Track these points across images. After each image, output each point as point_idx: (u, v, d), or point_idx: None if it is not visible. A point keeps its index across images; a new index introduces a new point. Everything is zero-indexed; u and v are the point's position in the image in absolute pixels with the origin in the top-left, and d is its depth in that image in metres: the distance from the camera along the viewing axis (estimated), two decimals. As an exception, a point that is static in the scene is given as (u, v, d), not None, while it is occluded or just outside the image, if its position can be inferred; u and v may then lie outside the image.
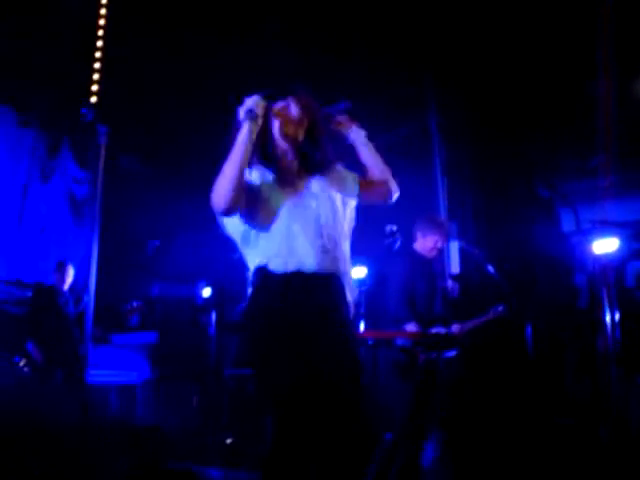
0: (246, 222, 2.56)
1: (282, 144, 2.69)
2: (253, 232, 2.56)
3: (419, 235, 4.76)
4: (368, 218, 6.25)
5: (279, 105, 2.69)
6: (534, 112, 5.40)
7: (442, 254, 5.19)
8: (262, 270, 2.49)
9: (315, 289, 2.50)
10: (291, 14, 5.90)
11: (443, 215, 5.59)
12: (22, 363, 5.82)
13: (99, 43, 6.65)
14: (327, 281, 2.54)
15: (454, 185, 5.74)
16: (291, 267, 2.48)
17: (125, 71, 6.54)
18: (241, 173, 2.47)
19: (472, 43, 5.54)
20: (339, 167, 2.78)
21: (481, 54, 5.51)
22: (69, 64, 6.64)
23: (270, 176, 2.63)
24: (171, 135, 7.13)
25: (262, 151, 2.66)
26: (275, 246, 2.51)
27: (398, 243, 4.49)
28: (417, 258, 4.78)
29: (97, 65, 6.62)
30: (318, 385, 2.41)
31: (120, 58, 6.49)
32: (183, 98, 6.67)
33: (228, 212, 2.49)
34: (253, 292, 2.52)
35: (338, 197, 2.69)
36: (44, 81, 6.91)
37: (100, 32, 6.60)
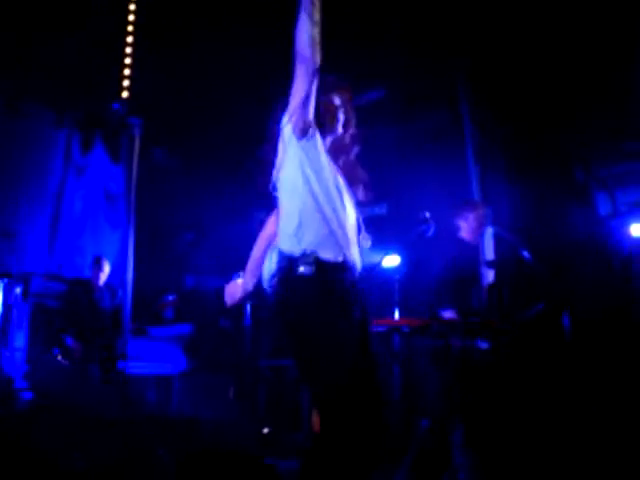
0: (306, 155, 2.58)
1: (339, 127, 2.72)
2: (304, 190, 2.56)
3: (461, 221, 4.72)
4: (400, 206, 6.26)
5: (344, 86, 2.70)
6: (569, 95, 5.31)
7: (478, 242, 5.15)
8: (313, 258, 2.50)
9: (356, 281, 2.58)
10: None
11: (477, 201, 5.53)
12: (60, 356, 5.92)
13: (129, 38, 6.70)
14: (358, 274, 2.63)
15: (487, 171, 5.68)
16: (341, 257, 2.52)
17: (156, 65, 6.58)
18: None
19: (504, 29, 5.48)
20: None
21: (514, 39, 5.45)
22: (100, 60, 6.70)
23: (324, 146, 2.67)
24: (204, 128, 7.16)
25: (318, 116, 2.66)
26: (326, 232, 2.53)
27: (432, 230, 4.46)
28: (459, 246, 4.73)
29: (128, 60, 6.67)
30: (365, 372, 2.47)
31: (151, 52, 6.53)
32: (215, 90, 6.69)
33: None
34: (307, 280, 2.49)
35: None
36: (76, 78, 6.98)
37: (130, 27, 6.65)
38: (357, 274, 2.61)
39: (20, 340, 6.32)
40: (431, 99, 5.92)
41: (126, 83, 6.58)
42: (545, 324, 4.87)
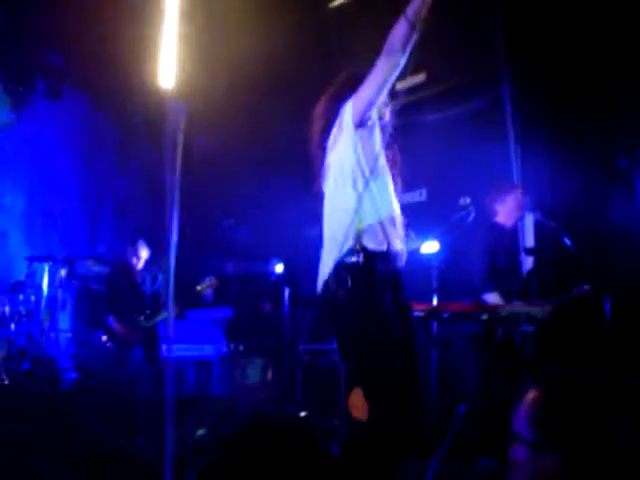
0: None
1: (387, 114, 2.79)
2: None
3: (497, 205, 4.68)
4: (439, 192, 6.22)
5: None
6: (612, 80, 5.21)
7: (517, 227, 5.11)
8: (359, 247, 2.52)
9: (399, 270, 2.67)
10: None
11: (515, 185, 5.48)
12: (104, 338, 6.05)
13: (172, 24, 6.75)
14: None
15: (528, 157, 5.62)
16: (385, 247, 2.57)
17: (200, 51, 6.62)
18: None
19: (546, 12, 5.39)
20: None
21: (556, 22, 5.36)
22: (143, 46, 6.77)
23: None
24: (246, 113, 7.19)
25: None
26: (375, 221, 2.57)
27: (472, 215, 4.43)
28: (499, 231, 4.70)
29: (170, 46, 6.72)
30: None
31: (196, 38, 6.56)
32: (258, 76, 6.71)
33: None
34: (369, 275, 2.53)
35: None
36: (118, 64, 7.07)
37: (173, 11, 6.69)
38: (401, 263, 2.64)
39: (65, 322, 6.48)
40: (471, 84, 5.86)
41: (169, 69, 6.64)
42: (586, 311, 4.82)
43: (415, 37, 2.42)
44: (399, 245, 2.62)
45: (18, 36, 6.61)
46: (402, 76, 2.57)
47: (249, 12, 6.16)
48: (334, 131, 2.65)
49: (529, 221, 5.37)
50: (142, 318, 6.14)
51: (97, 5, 6.32)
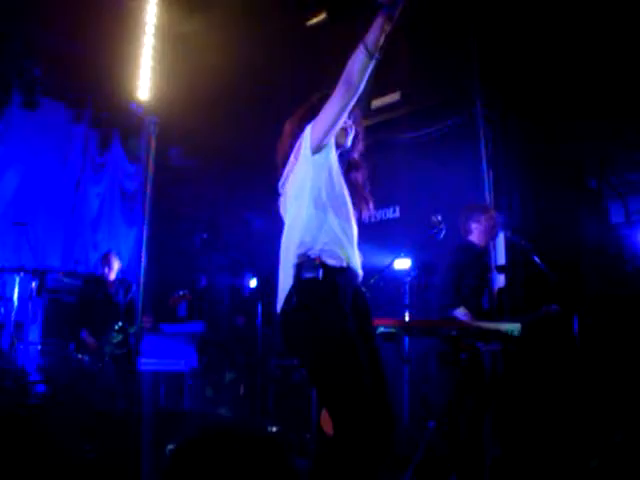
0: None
1: (348, 142, 2.83)
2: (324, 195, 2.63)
3: (473, 224, 4.72)
4: (412, 209, 6.28)
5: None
6: (584, 102, 5.32)
7: (488, 246, 5.17)
8: (318, 262, 2.56)
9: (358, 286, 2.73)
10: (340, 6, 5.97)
11: (489, 206, 5.56)
12: (76, 350, 6.00)
13: (147, 39, 6.78)
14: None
15: (500, 176, 5.70)
16: (345, 264, 2.61)
17: (173, 65, 6.65)
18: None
19: (520, 32, 5.49)
20: None
21: (529, 43, 5.46)
22: (118, 60, 6.79)
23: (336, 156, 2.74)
24: (220, 128, 7.22)
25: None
26: (330, 240, 2.60)
27: (443, 233, 4.48)
28: (471, 250, 4.73)
29: (146, 60, 6.75)
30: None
31: (168, 51, 6.60)
32: (231, 90, 6.75)
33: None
34: (317, 284, 2.55)
35: None
36: (94, 77, 7.08)
37: (148, 28, 6.73)
38: (359, 279, 2.70)
39: (34, 334, 6.42)
40: (445, 103, 5.95)
41: (143, 83, 6.66)
42: (555, 329, 4.89)
43: (372, 65, 2.47)
44: (357, 264, 2.67)
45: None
46: (359, 103, 2.63)
47: (226, 27, 6.22)
48: (294, 152, 2.70)
49: (500, 239, 5.44)
50: (114, 332, 6.11)
51: (76, 18, 6.33)
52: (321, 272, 2.52)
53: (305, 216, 2.61)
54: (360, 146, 2.88)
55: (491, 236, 4.78)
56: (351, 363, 2.44)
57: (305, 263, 2.55)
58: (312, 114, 2.71)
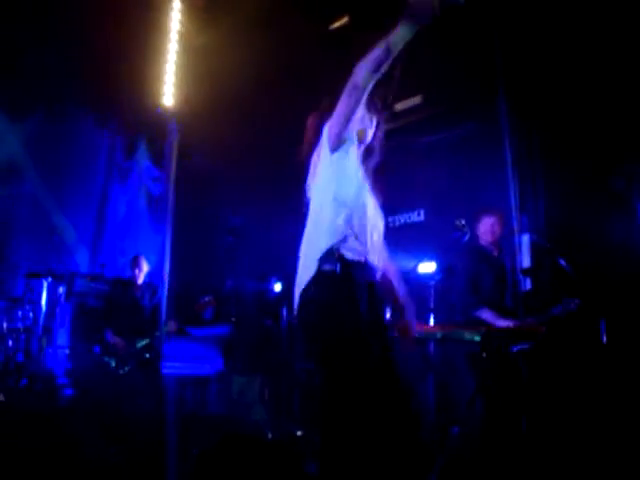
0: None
1: (368, 136, 2.86)
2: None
3: (477, 227, 4.79)
4: (436, 213, 6.25)
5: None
6: (609, 102, 5.25)
7: (512, 248, 5.15)
8: (337, 256, 2.60)
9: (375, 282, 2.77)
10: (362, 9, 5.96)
11: (514, 209, 5.52)
12: (102, 353, 6.06)
13: (171, 46, 6.85)
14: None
15: (525, 178, 5.65)
16: (362, 259, 2.67)
17: (198, 70, 6.71)
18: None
19: (544, 35, 5.45)
20: None
21: (553, 45, 5.41)
22: (143, 66, 6.86)
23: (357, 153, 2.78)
24: (245, 132, 7.25)
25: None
26: (351, 236, 2.65)
27: (467, 237, 4.48)
28: (483, 252, 4.77)
29: (170, 67, 6.81)
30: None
31: (193, 58, 6.66)
32: (254, 96, 6.77)
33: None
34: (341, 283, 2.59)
35: None
36: (120, 84, 7.15)
37: (173, 34, 6.79)
38: (377, 274, 2.75)
39: (63, 338, 6.49)
40: (470, 106, 5.91)
41: (168, 89, 6.72)
42: (581, 332, 4.84)
43: (386, 65, 2.47)
44: (376, 260, 2.72)
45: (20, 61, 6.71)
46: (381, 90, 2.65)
47: (248, 33, 6.24)
48: (318, 148, 2.76)
49: (525, 242, 5.40)
50: (139, 336, 6.18)
51: (102, 27, 6.40)
52: (339, 265, 2.58)
53: (327, 212, 2.67)
54: (379, 133, 2.90)
55: (489, 239, 4.80)
56: (359, 359, 2.47)
57: (325, 256, 2.60)
58: (326, 115, 2.75)
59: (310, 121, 2.91)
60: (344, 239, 2.62)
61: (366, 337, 2.51)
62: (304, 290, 2.62)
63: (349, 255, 2.61)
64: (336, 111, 2.64)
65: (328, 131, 2.71)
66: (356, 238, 2.64)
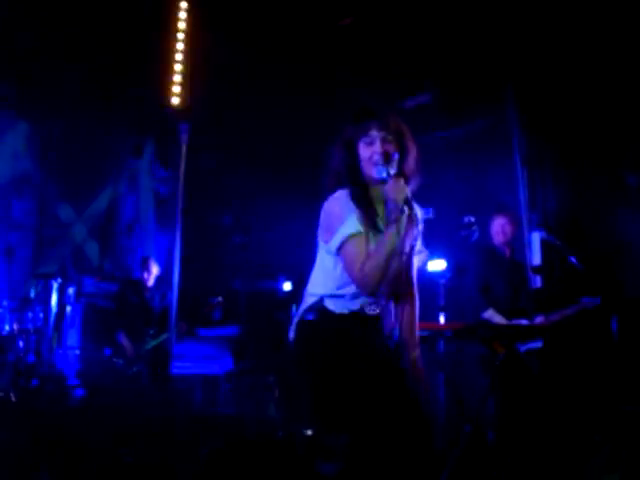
0: None
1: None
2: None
3: (489, 227, 4.79)
4: (447, 210, 6.22)
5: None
6: (620, 97, 5.21)
7: (522, 246, 5.13)
8: (319, 306, 2.56)
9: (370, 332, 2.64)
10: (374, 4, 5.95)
11: (523, 206, 5.50)
12: (113, 355, 6.08)
13: (179, 45, 6.84)
14: None
15: (535, 175, 5.62)
16: (346, 311, 2.56)
17: (205, 70, 6.70)
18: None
19: (552, 31, 5.42)
20: None
21: (562, 40, 5.38)
22: (152, 67, 6.86)
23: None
24: (253, 133, 7.25)
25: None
26: (334, 288, 2.58)
27: (476, 235, 4.46)
28: (494, 252, 4.76)
29: (179, 67, 6.81)
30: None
31: (200, 58, 6.65)
32: (263, 96, 6.77)
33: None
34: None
35: None
36: (128, 84, 7.16)
37: (180, 34, 6.79)
38: (373, 325, 2.59)
39: (73, 338, 6.51)
40: (478, 103, 5.89)
41: (176, 90, 6.72)
42: (593, 331, 4.81)
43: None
44: (367, 309, 2.57)
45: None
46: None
47: (257, 33, 6.24)
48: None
49: (536, 240, 5.37)
50: (149, 337, 6.19)
51: (110, 27, 6.42)
52: (318, 315, 2.54)
53: (320, 259, 2.62)
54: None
55: (500, 240, 4.78)
56: (330, 407, 2.49)
57: (310, 307, 2.57)
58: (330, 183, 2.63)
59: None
60: (333, 289, 2.53)
61: (341, 392, 2.44)
62: (290, 332, 2.63)
63: (330, 306, 2.52)
64: (343, 262, 2.49)
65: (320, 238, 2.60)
66: (345, 291, 2.53)
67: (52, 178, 7.22)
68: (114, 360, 6.06)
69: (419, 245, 2.71)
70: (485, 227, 4.76)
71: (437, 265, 5.15)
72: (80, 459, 4.42)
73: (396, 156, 2.55)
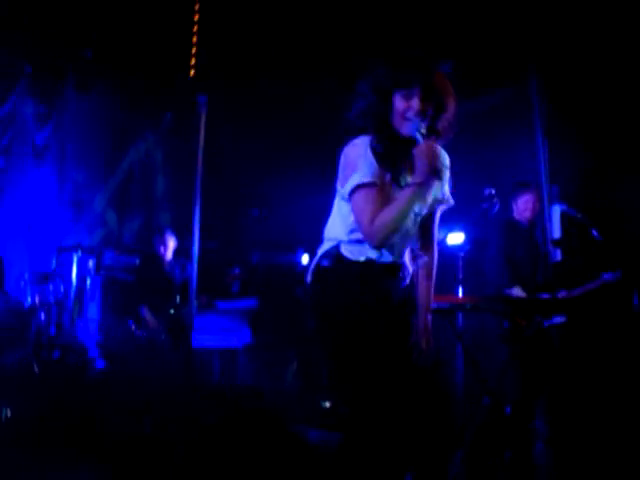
0: None
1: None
2: None
3: (512, 203, 4.74)
4: (465, 183, 6.14)
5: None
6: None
7: (543, 219, 5.08)
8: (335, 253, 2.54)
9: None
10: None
11: (544, 179, 5.43)
12: (135, 327, 6.14)
13: (197, 18, 6.80)
14: None
15: (556, 147, 5.54)
16: (363, 258, 2.52)
17: (223, 42, 6.65)
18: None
19: (577, 2, 5.32)
20: None
21: (583, 13, 5.28)
22: (169, 40, 6.82)
23: None
24: (272, 105, 7.20)
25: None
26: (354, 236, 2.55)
27: (496, 207, 4.42)
28: (516, 226, 4.73)
29: (196, 40, 6.77)
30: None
31: (218, 29, 6.60)
32: (283, 66, 6.72)
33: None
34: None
35: None
36: (145, 58, 7.13)
37: (197, 6, 6.74)
38: (392, 275, 2.55)
39: (93, 311, 6.58)
40: (499, 73, 5.80)
41: (194, 62, 6.68)
42: (614, 304, 4.77)
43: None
44: (384, 257, 2.52)
45: (50, 29, 6.70)
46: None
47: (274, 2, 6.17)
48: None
49: (556, 213, 5.32)
50: (171, 310, 6.24)
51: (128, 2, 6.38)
52: (334, 261, 2.50)
53: (337, 204, 2.58)
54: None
55: (527, 216, 4.74)
56: (345, 354, 2.43)
57: (327, 251, 2.54)
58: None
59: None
60: (350, 236, 2.49)
61: (354, 340, 2.41)
62: (307, 276, 2.60)
63: (349, 255, 2.49)
64: (354, 212, 2.45)
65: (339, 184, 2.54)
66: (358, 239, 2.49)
67: (72, 150, 7.23)
68: (136, 332, 6.12)
69: (446, 193, 2.65)
70: (505, 200, 4.71)
71: (456, 238, 5.12)
72: (103, 429, 4.49)
73: (430, 112, 2.45)
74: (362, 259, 2.49)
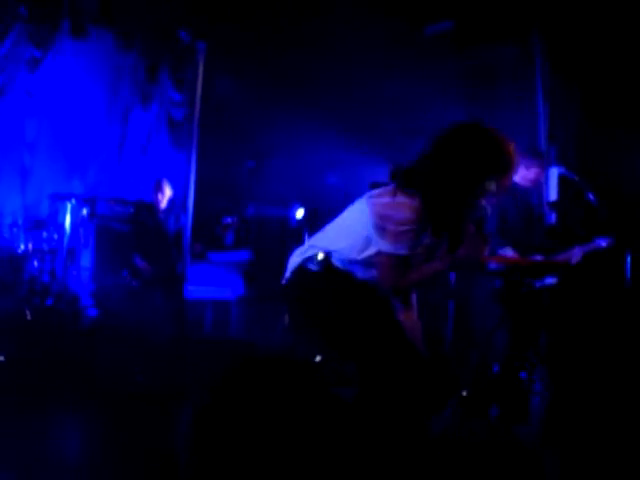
0: None
1: None
2: None
3: (521, 164, 4.65)
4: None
5: None
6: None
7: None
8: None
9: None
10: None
11: (543, 139, 5.40)
12: (129, 276, 6.15)
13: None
14: None
15: (556, 109, 5.50)
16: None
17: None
18: None
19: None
20: None
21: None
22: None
23: None
24: (270, 57, 7.09)
25: None
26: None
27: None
28: (512, 188, 4.68)
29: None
30: None
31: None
32: (282, 16, 6.60)
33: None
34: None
35: None
36: (142, 4, 6.99)
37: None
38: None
39: (86, 260, 6.57)
40: (501, 33, 5.71)
41: (192, 9, 6.56)
42: (606, 267, 4.79)
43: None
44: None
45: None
46: None
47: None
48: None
49: (553, 175, 5.30)
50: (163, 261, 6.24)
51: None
52: (324, 269, 2.54)
53: (354, 227, 2.52)
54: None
55: (531, 185, 4.70)
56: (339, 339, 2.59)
57: (317, 260, 2.56)
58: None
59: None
60: (345, 253, 2.51)
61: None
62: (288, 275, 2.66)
63: (339, 264, 2.52)
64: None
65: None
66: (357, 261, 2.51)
67: (65, 99, 7.13)
68: (128, 281, 6.13)
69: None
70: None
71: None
72: (94, 377, 4.53)
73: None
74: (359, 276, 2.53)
